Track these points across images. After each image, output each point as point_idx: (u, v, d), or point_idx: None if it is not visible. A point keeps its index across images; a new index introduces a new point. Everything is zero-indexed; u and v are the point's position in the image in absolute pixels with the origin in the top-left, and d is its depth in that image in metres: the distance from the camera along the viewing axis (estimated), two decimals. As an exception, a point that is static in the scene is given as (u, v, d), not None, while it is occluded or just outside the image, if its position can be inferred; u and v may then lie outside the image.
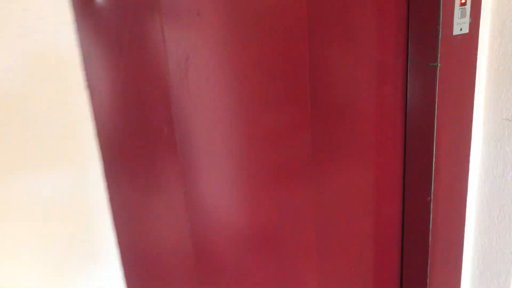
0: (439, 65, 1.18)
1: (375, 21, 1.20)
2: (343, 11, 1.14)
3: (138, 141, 0.93)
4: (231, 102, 1.02)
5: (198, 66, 0.93)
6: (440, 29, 1.15)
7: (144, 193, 0.99)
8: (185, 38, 0.91)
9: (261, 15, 1.00)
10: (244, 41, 0.98)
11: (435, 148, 1.24)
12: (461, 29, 1.18)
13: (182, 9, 0.89)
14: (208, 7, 0.92)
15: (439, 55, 1.17)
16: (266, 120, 1.10)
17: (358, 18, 1.16)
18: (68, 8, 0.72)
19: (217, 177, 1.08)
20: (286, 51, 1.07)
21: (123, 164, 0.94)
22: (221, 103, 1.01)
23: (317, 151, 1.21)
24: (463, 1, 1.16)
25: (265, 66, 1.05)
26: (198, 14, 0.91)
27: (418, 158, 1.31)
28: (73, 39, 0.74)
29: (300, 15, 1.05)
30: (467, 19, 1.18)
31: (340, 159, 1.26)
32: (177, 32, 0.89)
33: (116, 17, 0.84)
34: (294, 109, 1.14)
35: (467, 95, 1.26)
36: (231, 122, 1.05)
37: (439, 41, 1.16)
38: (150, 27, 0.87)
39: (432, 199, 1.28)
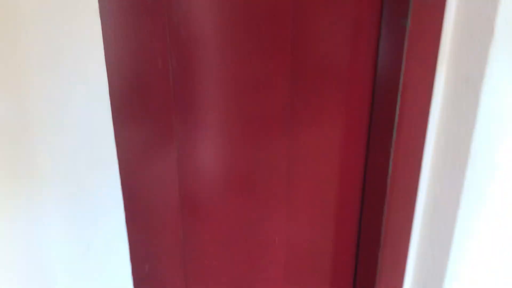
0: (409, 22, 1.24)
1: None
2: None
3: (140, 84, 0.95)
4: (213, 51, 1.05)
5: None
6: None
7: (144, 139, 1.02)
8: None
9: None
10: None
11: (399, 104, 1.32)
12: (431, -11, 1.25)
13: None
14: None
15: (410, 12, 1.24)
16: (248, 69, 1.14)
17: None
18: None
19: (201, 126, 1.12)
20: (269, 2, 1.10)
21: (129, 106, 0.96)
22: (204, 51, 1.04)
23: (294, 102, 1.26)
24: (435, -39, 1.22)
25: (249, 14, 1.08)
26: None
27: (383, 114, 1.39)
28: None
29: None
30: (437, -21, 1.25)
31: (314, 112, 1.33)
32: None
33: None
34: (275, 60, 1.18)
35: (432, 52, 1.34)
36: (211, 72, 1.08)
37: (411, -2, 1.22)
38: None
39: (392, 150, 1.37)
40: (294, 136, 1.32)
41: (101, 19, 0.95)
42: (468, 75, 1.32)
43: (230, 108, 1.20)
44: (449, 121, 1.40)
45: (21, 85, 0.95)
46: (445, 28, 1.33)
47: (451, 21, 1.33)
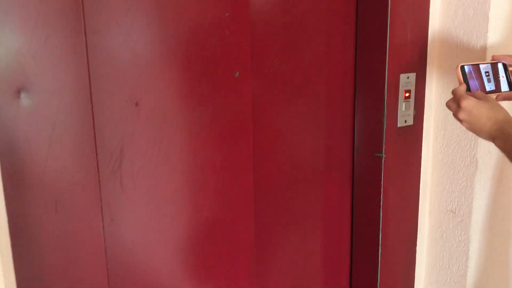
0: (384, 156, 1.17)
1: (323, 114, 1.20)
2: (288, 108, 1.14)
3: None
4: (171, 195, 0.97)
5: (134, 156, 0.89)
6: (385, 121, 1.16)
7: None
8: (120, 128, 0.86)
9: (207, 104, 0.97)
10: (181, 131, 0.95)
11: (381, 238, 1.22)
12: (405, 121, 1.20)
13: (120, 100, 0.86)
14: (148, 97, 0.89)
15: (384, 146, 1.17)
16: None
17: (306, 111, 1.16)
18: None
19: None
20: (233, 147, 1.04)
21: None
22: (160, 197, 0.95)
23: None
24: (407, 94, 1.18)
25: (209, 161, 1.01)
26: (137, 104, 0.87)
27: (364, 244, 1.28)
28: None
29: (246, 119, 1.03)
30: (411, 111, 1.20)
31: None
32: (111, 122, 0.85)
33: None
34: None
35: (412, 184, 1.26)
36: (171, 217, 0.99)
37: (384, 132, 1.16)
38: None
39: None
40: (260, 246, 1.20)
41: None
42: (453, 206, 1.23)
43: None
44: (437, 255, 1.29)
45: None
46: (425, 157, 1.26)
47: (430, 150, 1.27)
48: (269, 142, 1.11)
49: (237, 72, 0.99)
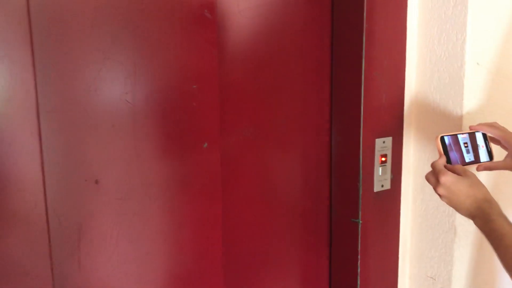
0: (360, 221, 1.15)
1: (299, 178, 1.18)
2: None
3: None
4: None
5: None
6: (361, 186, 1.13)
7: None
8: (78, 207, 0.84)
9: (173, 178, 0.95)
10: (145, 207, 0.92)
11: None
12: (382, 186, 1.17)
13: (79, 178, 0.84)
14: (108, 174, 0.87)
15: (360, 212, 1.15)
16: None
17: (281, 175, 1.14)
18: None
19: None
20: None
21: None
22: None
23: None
24: (383, 159, 1.16)
25: (173, 239, 0.98)
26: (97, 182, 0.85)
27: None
28: None
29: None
30: (388, 176, 1.18)
31: None
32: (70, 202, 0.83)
33: None
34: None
35: (391, 250, 1.22)
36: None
37: (360, 197, 1.14)
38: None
39: None
40: None
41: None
42: (432, 273, 1.20)
43: None
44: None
45: None
46: (404, 221, 1.23)
47: (409, 214, 1.24)
48: (240, 212, 1.09)
49: (205, 143, 0.97)
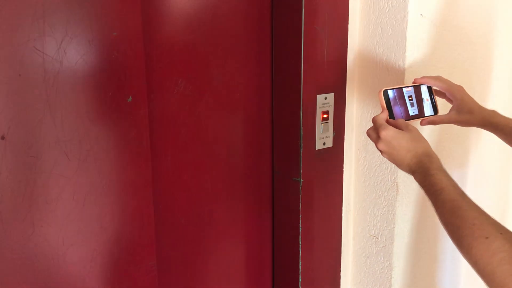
0: (302, 180, 1.11)
1: (240, 136, 1.12)
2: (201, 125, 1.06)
3: None
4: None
5: None
6: (302, 144, 1.09)
7: None
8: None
9: (97, 134, 0.88)
10: (66, 164, 0.85)
11: (301, 266, 1.15)
12: (324, 143, 1.13)
13: None
14: (16, 130, 0.79)
15: (301, 170, 1.11)
16: None
17: (220, 133, 1.08)
18: None
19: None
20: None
21: None
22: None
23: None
24: (325, 115, 1.12)
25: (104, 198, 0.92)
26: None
27: (285, 274, 1.21)
28: None
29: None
30: (330, 133, 1.14)
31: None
32: None
33: None
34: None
35: (334, 209, 1.20)
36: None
37: (301, 156, 1.10)
38: None
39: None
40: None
41: None
42: (375, 231, 1.18)
43: None
44: (362, 281, 1.24)
45: None
46: (347, 180, 1.21)
47: (352, 173, 1.21)
48: (175, 173, 1.03)
49: (130, 97, 0.90)
